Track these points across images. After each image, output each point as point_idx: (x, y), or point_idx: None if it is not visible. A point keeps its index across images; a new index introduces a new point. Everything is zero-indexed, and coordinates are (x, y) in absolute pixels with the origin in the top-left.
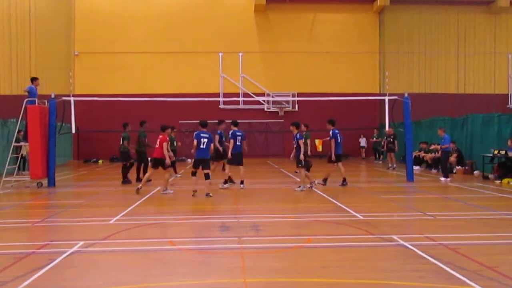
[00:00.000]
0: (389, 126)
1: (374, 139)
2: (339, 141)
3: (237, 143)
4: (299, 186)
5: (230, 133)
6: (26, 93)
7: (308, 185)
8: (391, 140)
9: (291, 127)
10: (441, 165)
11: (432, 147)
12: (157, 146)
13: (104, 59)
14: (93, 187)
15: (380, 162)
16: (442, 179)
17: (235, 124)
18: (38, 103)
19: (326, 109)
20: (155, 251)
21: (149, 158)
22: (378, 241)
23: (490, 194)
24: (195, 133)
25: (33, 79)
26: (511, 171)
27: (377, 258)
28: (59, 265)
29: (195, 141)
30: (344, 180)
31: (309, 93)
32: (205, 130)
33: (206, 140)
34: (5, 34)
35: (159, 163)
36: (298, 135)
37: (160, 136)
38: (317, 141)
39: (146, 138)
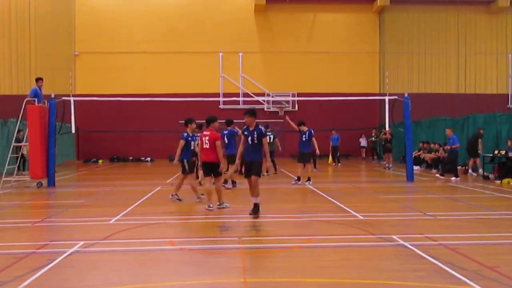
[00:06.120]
0: (389, 126)
1: (373, 139)
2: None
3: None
4: None
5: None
6: (33, 98)
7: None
8: (388, 140)
9: None
10: (451, 165)
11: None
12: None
13: (104, 59)
14: (93, 187)
15: (380, 161)
16: (453, 178)
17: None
18: (43, 103)
19: (326, 109)
20: (155, 251)
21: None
22: (378, 241)
23: (490, 194)
24: None
25: (37, 80)
26: (511, 171)
27: (377, 258)
28: (59, 265)
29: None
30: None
31: (309, 93)
32: None
33: None
34: (5, 34)
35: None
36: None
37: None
38: (330, 160)
39: None
